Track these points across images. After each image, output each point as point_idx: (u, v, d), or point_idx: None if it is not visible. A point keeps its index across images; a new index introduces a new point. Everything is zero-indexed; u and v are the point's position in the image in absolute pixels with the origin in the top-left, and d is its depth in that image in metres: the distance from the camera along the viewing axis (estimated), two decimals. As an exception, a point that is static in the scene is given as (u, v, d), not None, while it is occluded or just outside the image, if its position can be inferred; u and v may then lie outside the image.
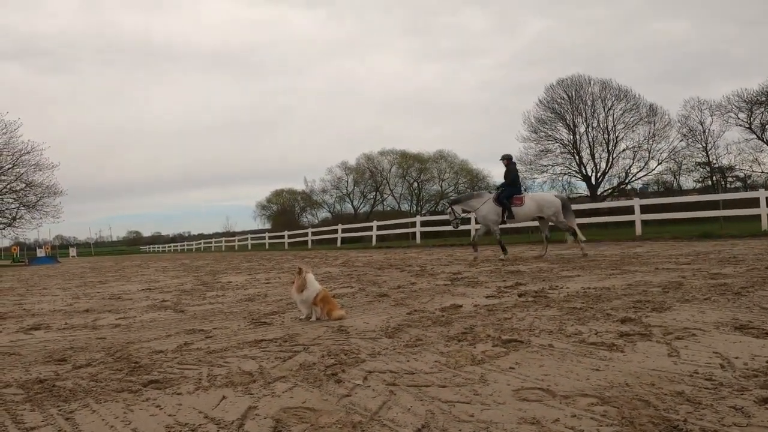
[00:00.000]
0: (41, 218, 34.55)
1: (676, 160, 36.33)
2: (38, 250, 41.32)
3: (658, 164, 36.85)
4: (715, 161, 35.02)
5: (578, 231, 9.94)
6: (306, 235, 31.41)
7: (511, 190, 9.79)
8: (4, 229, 34.31)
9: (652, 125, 36.28)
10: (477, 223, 10.50)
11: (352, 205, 54.76)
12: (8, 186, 32.99)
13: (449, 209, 10.23)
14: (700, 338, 2.62)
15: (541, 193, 10.57)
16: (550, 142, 39.29)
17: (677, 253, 8.43)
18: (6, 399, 2.22)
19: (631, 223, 15.53)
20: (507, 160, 10.13)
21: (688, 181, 37.50)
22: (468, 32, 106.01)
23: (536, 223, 10.69)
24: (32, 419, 1.97)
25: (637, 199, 16.17)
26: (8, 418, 1.98)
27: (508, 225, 10.33)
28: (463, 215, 10.54)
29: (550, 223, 9.85)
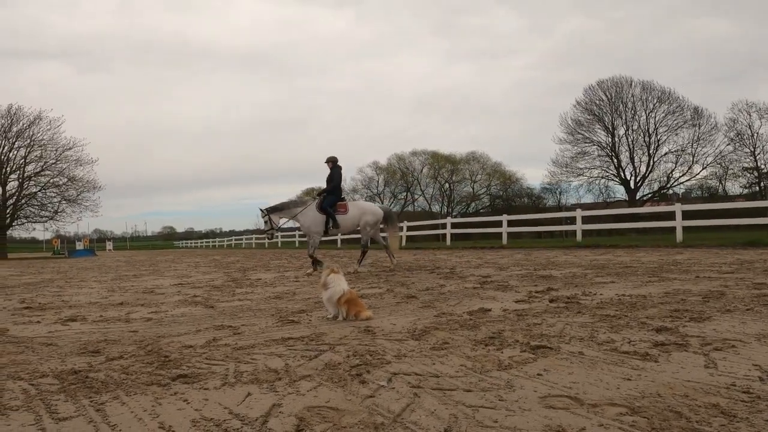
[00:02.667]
0: (81, 212, 35.78)
1: (722, 164, 35.05)
2: (77, 243, 42.93)
3: (703, 169, 35.66)
4: (763, 166, 33.60)
5: (396, 245, 9.61)
6: (335, 234, 31.65)
7: (333, 197, 9.12)
8: (46, 222, 35.71)
9: (697, 128, 35.11)
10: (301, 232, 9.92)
11: (382, 205, 54.78)
12: (51, 180, 34.33)
13: (266, 217, 9.30)
14: (739, 350, 2.51)
15: (364, 201, 9.95)
16: (587, 144, 38.50)
17: (720, 261, 8.11)
18: (42, 389, 2.30)
19: (672, 229, 15.07)
20: (332, 162, 9.38)
21: (734, 187, 36.12)
22: (499, 32, 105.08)
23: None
24: (65, 410, 2.02)
25: (679, 204, 15.65)
26: (43, 408, 2.04)
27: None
28: (283, 224, 9.67)
29: (382, 233, 9.25)
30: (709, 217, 16.17)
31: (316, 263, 8.93)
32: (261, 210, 9.34)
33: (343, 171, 9.48)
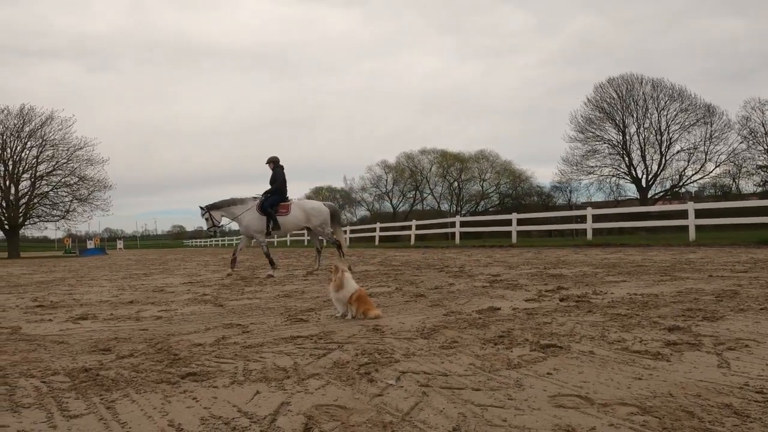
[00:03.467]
0: (92, 211, 36.12)
1: (736, 162, 34.69)
2: (88, 242, 43.36)
3: (716, 167, 35.31)
4: (777, 164, 33.19)
5: (343, 246, 9.29)
6: (344, 233, 31.66)
7: (275, 197, 8.89)
8: (58, 221, 36.11)
9: (710, 126, 34.75)
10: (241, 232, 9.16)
11: (391, 203, 54.89)
12: (63, 180, 34.72)
13: (206, 214, 9.04)
14: (753, 350, 2.48)
15: (310, 200, 9.56)
16: (598, 142, 38.26)
17: (734, 260, 8.02)
18: (53, 387, 2.31)
19: (685, 228, 14.93)
20: (273, 163, 9.19)
21: (748, 185, 35.73)
22: (506, 31, 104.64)
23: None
24: (76, 407, 2.04)
25: (692, 202, 15.50)
26: (54, 406, 2.06)
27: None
28: (224, 223, 9.39)
29: (319, 235, 9.01)
30: (723, 215, 16.01)
31: (272, 264, 8.76)
32: (201, 207, 9.09)
33: (285, 171, 9.24)
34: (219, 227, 9.24)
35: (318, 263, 9.16)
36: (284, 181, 9.14)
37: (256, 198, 9.10)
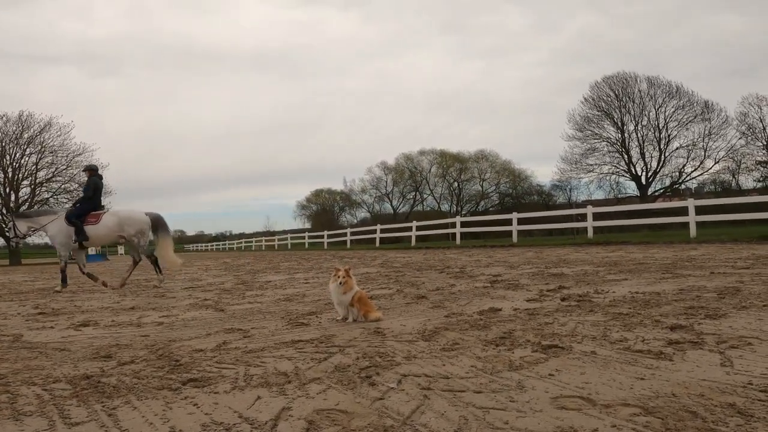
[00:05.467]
0: (92, 217, 36.07)
1: (735, 158, 34.70)
2: (89, 249, 43.31)
3: (715, 163, 35.34)
4: (776, 160, 33.19)
5: (171, 261, 8.73)
6: (345, 235, 31.69)
7: (85, 206, 8.40)
8: (58, 228, 36.07)
9: (708, 123, 34.75)
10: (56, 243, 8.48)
11: (392, 205, 54.91)
12: (62, 186, 34.77)
13: (11, 223, 8.60)
14: (756, 347, 2.47)
15: (129, 209, 9.28)
16: (596, 140, 38.27)
17: (735, 256, 8.01)
18: (55, 394, 2.31)
19: (685, 225, 14.92)
20: (89, 171, 8.75)
21: (748, 181, 35.73)
22: (507, 30, 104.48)
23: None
24: (78, 414, 2.03)
25: (692, 199, 15.49)
26: (56, 413, 2.06)
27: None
28: (30, 233, 8.79)
29: (136, 245, 8.45)
30: (723, 211, 16.01)
31: (64, 280, 8.35)
32: (4, 215, 9.04)
33: (103, 180, 8.88)
34: (22, 238, 8.78)
35: (161, 276, 8.54)
36: (96, 190, 8.63)
37: (65, 209, 8.74)
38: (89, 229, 8.25)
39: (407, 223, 27.40)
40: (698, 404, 1.78)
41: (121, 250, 58.02)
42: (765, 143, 33.16)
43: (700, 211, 14.93)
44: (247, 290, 6.89)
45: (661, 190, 37.56)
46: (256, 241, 51.31)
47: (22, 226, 8.51)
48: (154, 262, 8.62)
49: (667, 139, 36.27)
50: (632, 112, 36.81)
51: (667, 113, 36.08)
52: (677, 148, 36.31)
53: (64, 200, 35.19)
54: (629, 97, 36.74)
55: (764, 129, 33.00)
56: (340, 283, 3.73)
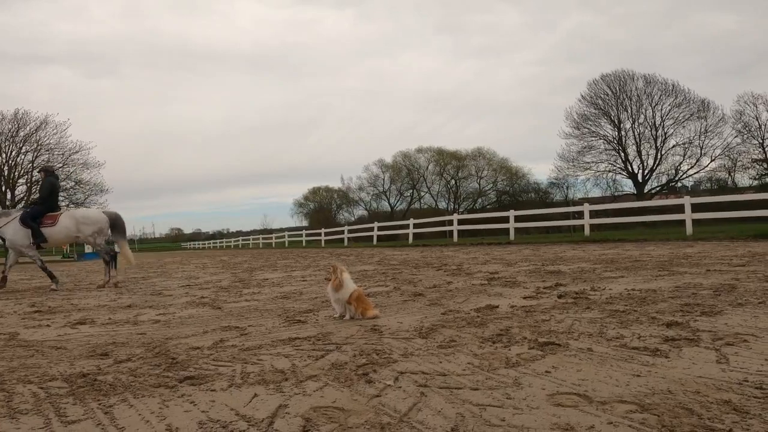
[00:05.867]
0: (88, 216, 36.01)
1: (731, 156, 34.85)
2: (86, 247, 43.27)
3: (711, 161, 35.48)
4: (772, 158, 33.32)
5: (127, 259, 8.65)
6: (342, 232, 31.68)
7: (41, 207, 8.29)
8: (54, 226, 36.01)
9: (704, 121, 34.86)
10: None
11: (389, 202, 54.92)
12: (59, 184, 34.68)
13: None
14: (752, 344, 2.48)
15: (86, 209, 8.93)
16: (593, 138, 38.37)
17: (731, 254, 8.04)
18: (51, 392, 2.30)
19: (681, 223, 14.96)
20: (44, 172, 8.66)
21: (743, 179, 35.88)
22: (502, 29, 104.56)
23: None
24: (74, 413, 2.03)
25: (688, 197, 15.53)
26: (52, 412, 2.05)
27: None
28: None
29: (93, 244, 8.36)
30: (719, 209, 16.03)
31: (52, 277, 8.27)
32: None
33: (59, 181, 8.76)
34: None
35: (108, 277, 8.40)
36: (51, 192, 8.54)
37: (20, 211, 8.62)
38: (46, 231, 8.20)
39: (404, 221, 27.40)
40: (694, 401, 1.79)
41: (117, 248, 57.96)
42: (761, 141, 33.29)
43: (696, 208, 14.97)
44: (244, 288, 6.88)
45: (658, 188, 37.67)
46: (253, 239, 51.24)
47: None
48: (113, 258, 8.49)
49: (663, 137, 36.39)
50: (629, 110, 36.90)
51: (663, 111, 36.21)
52: (674, 146, 36.47)
53: (60, 198, 35.11)
54: (626, 95, 36.82)
55: (760, 127, 33.13)
56: (326, 279, 3.77)
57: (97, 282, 9.23)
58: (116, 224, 8.63)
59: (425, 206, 51.91)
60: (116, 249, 9.03)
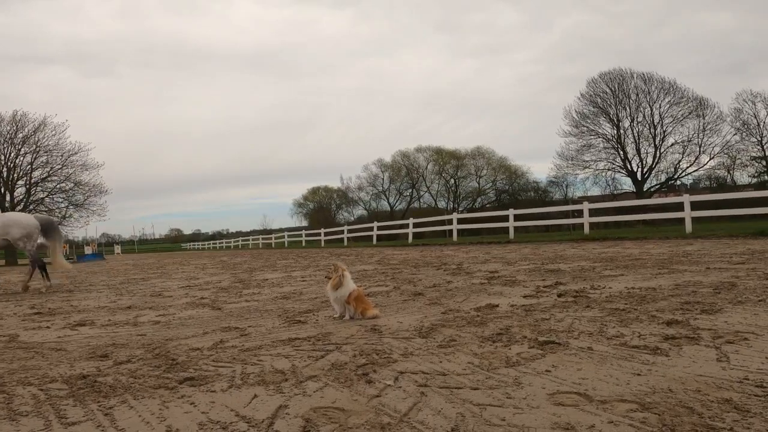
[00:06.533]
0: (88, 217, 36.08)
1: (730, 154, 34.83)
2: (86, 248, 43.36)
3: (710, 159, 35.46)
4: (771, 155, 33.33)
5: (60, 265, 8.49)
6: (342, 232, 31.65)
7: None
8: (54, 227, 35.95)
9: (703, 119, 34.85)
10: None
11: (388, 202, 54.90)
12: (58, 186, 34.64)
13: None
14: (752, 342, 2.48)
15: (16, 212, 8.89)
16: (592, 136, 38.34)
17: (731, 251, 8.03)
18: (51, 394, 2.30)
19: (681, 221, 14.96)
20: None
21: (743, 177, 35.87)
22: (500, 28, 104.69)
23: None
24: (74, 414, 2.03)
25: (687, 195, 15.52)
26: (52, 413, 2.05)
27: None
28: None
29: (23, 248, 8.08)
30: (719, 207, 16.04)
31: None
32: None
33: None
34: None
35: (45, 281, 8.22)
36: None
37: None
38: None
39: (404, 221, 27.39)
40: (694, 400, 1.79)
41: (118, 249, 57.86)
42: (759, 139, 33.30)
43: (695, 206, 14.97)
44: (244, 288, 6.88)
45: (657, 186, 37.66)
46: (253, 240, 51.21)
47: None
48: (42, 267, 8.36)
49: (662, 135, 36.37)
50: (628, 109, 36.89)
51: (662, 109, 36.20)
52: (672, 144, 36.45)
53: (60, 200, 35.10)
54: (625, 94, 36.82)
55: (758, 125, 33.14)
56: (326, 278, 3.79)
57: (20, 284, 8.79)
58: (48, 229, 8.41)
59: (425, 206, 51.92)
60: (48, 258, 8.73)
